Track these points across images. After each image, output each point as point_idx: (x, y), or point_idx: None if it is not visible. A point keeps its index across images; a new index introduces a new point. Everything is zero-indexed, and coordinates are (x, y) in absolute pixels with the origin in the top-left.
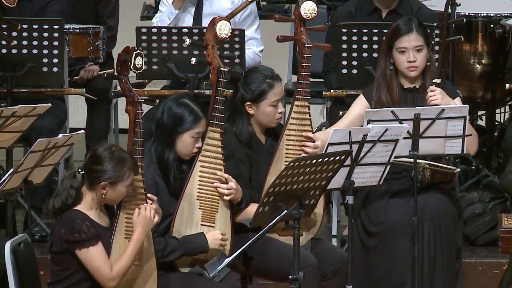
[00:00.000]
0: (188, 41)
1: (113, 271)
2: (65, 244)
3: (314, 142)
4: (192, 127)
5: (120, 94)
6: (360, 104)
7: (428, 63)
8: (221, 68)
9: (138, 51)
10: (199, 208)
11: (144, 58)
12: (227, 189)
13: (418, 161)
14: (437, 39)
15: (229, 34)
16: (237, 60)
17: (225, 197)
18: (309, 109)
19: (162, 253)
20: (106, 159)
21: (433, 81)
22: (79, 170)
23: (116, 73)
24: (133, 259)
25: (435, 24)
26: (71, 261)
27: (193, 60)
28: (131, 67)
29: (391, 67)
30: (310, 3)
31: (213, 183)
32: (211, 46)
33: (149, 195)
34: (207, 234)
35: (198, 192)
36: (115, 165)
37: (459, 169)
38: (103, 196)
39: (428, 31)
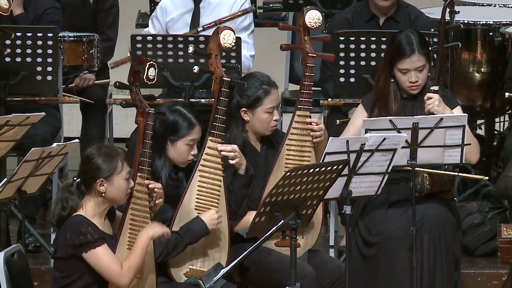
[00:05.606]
0: (191, 49)
1: (124, 267)
2: (71, 248)
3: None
4: (186, 134)
5: (131, 104)
6: (361, 115)
7: (429, 74)
8: (224, 78)
9: (151, 62)
10: None
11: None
12: (232, 152)
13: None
14: (434, 46)
15: (233, 44)
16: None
17: (230, 161)
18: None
19: (166, 252)
20: (94, 156)
21: (431, 88)
22: (75, 178)
23: (128, 83)
24: (142, 255)
25: (432, 30)
26: (75, 267)
27: (196, 68)
28: (144, 78)
29: (392, 80)
30: (315, 12)
31: (211, 193)
32: (214, 55)
33: (147, 181)
34: (203, 216)
35: (196, 202)
36: (105, 159)
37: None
38: (104, 194)
39: (429, 49)
